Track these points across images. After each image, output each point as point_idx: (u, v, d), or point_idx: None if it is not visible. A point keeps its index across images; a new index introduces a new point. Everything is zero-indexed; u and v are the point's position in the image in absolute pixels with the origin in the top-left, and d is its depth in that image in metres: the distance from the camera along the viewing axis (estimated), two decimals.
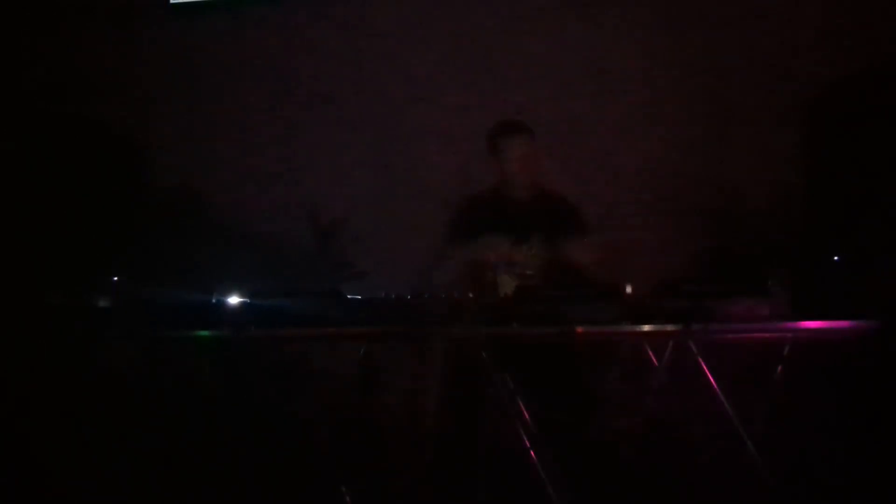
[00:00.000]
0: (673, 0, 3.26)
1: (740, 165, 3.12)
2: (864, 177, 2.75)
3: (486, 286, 1.82)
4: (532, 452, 1.49)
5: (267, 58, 3.59)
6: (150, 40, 3.64)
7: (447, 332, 1.61)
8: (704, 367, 1.57)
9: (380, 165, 3.40)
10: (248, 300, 1.66)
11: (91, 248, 2.84)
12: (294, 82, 3.56)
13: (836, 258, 2.08)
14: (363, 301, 1.66)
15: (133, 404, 1.61)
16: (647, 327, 1.54)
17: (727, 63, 3.20)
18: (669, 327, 1.55)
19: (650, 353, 1.71)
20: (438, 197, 2.96)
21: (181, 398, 1.56)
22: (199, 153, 3.50)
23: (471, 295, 1.65)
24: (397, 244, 3.19)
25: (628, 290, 1.56)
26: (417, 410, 1.58)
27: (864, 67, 2.95)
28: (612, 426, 1.59)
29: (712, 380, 1.55)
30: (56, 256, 2.73)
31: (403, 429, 1.56)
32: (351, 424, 1.49)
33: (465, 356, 1.67)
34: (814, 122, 3.00)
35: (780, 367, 1.64)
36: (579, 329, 1.55)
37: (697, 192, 3.11)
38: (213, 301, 1.68)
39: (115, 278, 2.28)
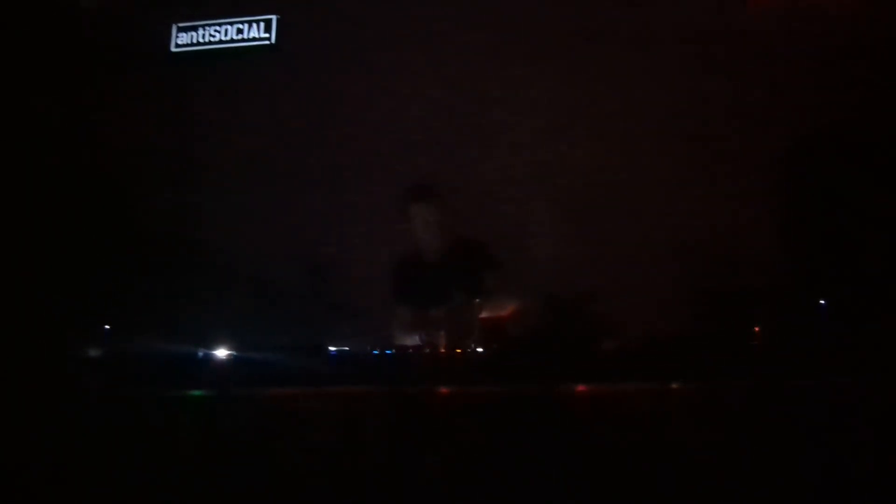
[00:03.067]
0: (659, 48, 3.33)
1: (725, 210, 3.15)
2: (850, 221, 2.77)
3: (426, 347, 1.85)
4: None
5: (264, 104, 3.67)
6: (150, 89, 3.73)
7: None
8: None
9: (375, 210, 3.44)
10: (235, 354, 1.68)
11: (83, 297, 2.86)
12: (290, 129, 3.63)
13: (822, 302, 2.10)
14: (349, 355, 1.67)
15: (116, 456, 1.61)
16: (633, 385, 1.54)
17: (713, 107, 3.26)
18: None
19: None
20: None
21: (165, 455, 1.56)
22: (194, 199, 3.55)
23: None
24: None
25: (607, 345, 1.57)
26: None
27: (854, 112, 3.00)
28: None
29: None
30: (49, 305, 2.75)
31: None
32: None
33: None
34: (799, 167, 3.03)
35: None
36: (581, 387, 1.54)
37: (683, 236, 3.13)
38: (200, 355, 1.70)
39: (107, 327, 2.30)
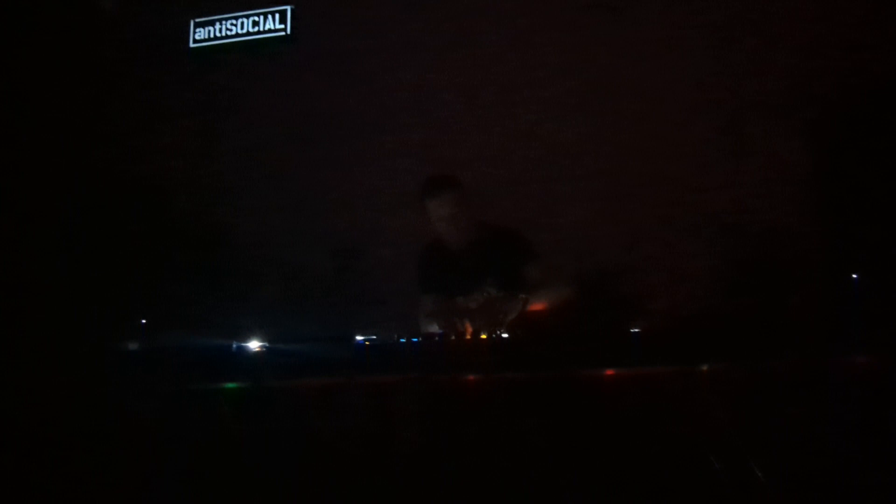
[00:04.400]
0: (684, 16, 3.24)
1: (756, 179, 3.08)
2: (883, 191, 2.68)
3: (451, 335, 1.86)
4: None
5: (284, 96, 3.70)
6: (171, 85, 3.78)
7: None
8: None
9: (399, 197, 3.45)
10: (268, 346, 1.72)
11: (120, 293, 2.95)
12: (311, 118, 3.66)
13: (854, 276, 2.04)
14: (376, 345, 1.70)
15: (154, 452, 1.66)
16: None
17: (742, 75, 3.17)
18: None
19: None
20: None
21: (201, 447, 1.60)
22: (219, 190, 3.61)
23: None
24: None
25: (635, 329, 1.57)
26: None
27: (889, 78, 2.88)
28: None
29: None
30: (86, 301, 2.84)
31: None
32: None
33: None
34: (831, 133, 2.94)
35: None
36: (609, 371, 1.54)
37: (712, 206, 3.07)
38: (234, 348, 1.74)
39: (144, 321, 2.37)
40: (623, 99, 3.27)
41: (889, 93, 2.81)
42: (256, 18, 3.86)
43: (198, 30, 3.91)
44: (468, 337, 1.83)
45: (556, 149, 3.34)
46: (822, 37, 3.03)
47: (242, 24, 3.87)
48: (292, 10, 3.78)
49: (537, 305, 2.05)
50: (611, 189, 3.22)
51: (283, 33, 3.81)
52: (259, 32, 3.84)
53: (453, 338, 1.82)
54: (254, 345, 1.75)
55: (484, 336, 1.79)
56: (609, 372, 1.59)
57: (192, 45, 3.89)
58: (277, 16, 3.83)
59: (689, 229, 3.03)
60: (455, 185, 2.15)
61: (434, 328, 2.00)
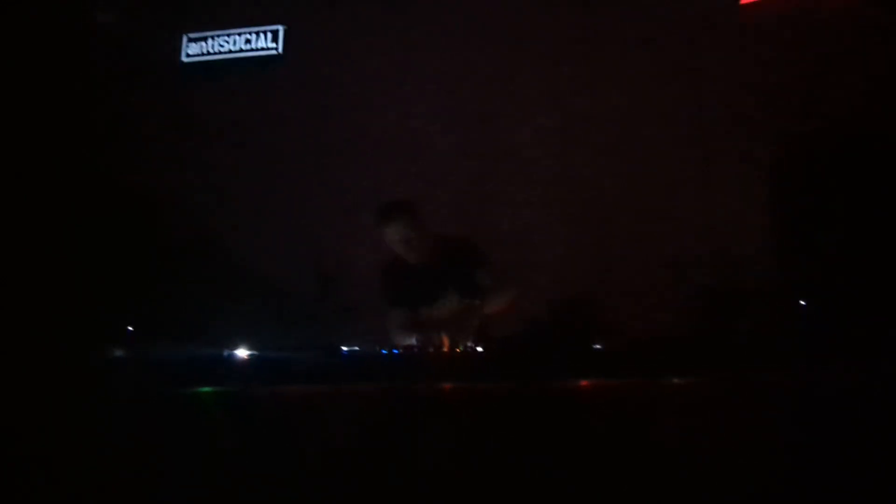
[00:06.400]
0: (654, 52, 3.42)
1: (711, 209, 3.24)
2: (832, 223, 2.85)
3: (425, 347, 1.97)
4: None
5: (271, 113, 3.80)
6: (162, 98, 3.85)
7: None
8: None
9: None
10: (257, 353, 1.80)
11: (106, 300, 2.99)
12: (298, 135, 3.76)
13: (802, 303, 2.21)
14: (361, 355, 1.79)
15: (140, 459, 1.70)
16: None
17: (706, 111, 3.36)
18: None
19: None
20: None
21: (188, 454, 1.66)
22: (207, 205, 3.68)
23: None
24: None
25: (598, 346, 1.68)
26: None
27: (840, 116, 3.08)
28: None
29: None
30: (73, 308, 2.87)
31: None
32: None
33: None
34: (792, 169, 3.10)
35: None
36: (584, 382, 1.64)
37: (671, 235, 3.23)
38: (225, 355, 1.82)
39: (130, 328, 2.44)
40: (595, 129, 3.43)
41: (848, 134, 2.99)
42: (249, 36, 3.96)
43: (190, 45, 4.00)
44: (444, 349, 1.94)
45: (534, 175, 3.50)
46: (784, 76, 3.24)
47: (235, 41, 3.97)
48: (285, 30, 3.90)
49: (491, 308, 2.19)
50: (583, 216, 3.38)
51: (274, 52, 3.91)
52: (251, 50, 3.95)
53: (430, 350, 1.92)
54: (242, 352, 1.83)
55: (459, 349, 1.91)
56: (584, 383, 1.69)
57: (184, 59, 3.97)
58: (270, 35, 3.94)
59: (659, 257, 3.19)
60: (407, 209, 2.25)
61: (406, 340, 2.09)
